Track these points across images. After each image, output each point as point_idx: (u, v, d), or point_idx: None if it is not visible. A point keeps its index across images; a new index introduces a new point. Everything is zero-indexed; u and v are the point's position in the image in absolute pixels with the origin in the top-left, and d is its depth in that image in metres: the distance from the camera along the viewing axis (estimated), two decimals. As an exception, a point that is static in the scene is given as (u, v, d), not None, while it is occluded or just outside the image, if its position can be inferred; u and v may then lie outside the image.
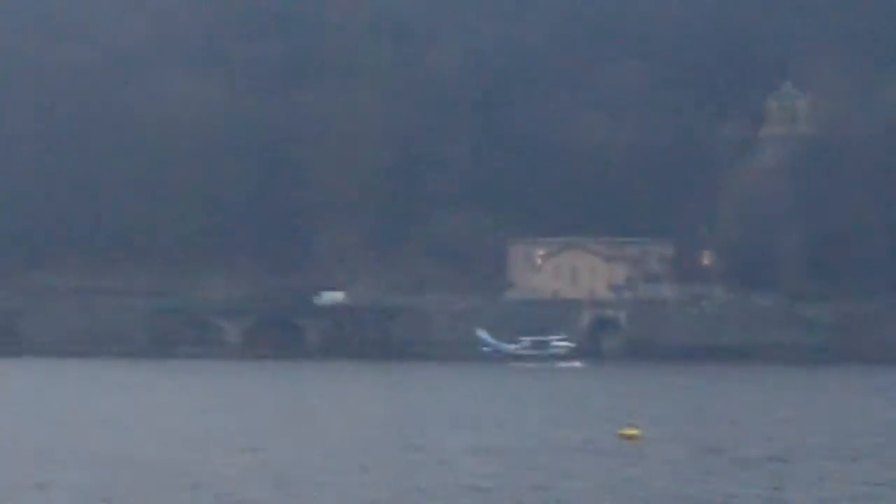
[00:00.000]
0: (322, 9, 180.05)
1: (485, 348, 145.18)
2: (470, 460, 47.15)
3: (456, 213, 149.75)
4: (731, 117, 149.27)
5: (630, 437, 53.19)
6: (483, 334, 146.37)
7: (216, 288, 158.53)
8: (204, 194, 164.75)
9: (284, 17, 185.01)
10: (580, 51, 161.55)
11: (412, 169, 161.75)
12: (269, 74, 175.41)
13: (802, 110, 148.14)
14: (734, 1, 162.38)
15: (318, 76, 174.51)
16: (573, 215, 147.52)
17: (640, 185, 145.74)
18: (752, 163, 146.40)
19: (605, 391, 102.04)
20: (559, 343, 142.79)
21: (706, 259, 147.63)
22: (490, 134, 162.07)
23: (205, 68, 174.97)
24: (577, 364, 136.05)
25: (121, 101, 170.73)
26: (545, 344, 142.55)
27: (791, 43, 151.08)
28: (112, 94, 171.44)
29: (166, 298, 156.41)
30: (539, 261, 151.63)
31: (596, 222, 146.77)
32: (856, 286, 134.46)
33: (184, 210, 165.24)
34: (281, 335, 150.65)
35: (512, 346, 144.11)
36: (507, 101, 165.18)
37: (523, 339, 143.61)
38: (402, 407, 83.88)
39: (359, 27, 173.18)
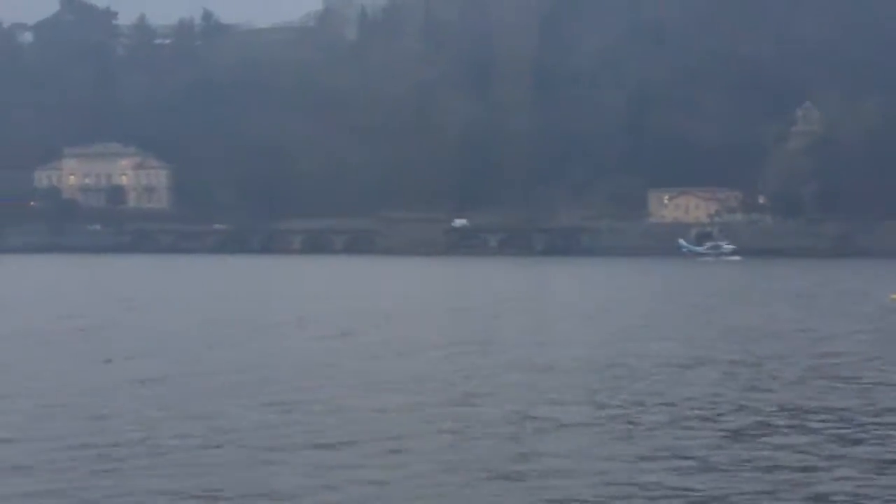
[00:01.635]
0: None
1: (683, 250, 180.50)
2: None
3: (620, 173, 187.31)
4: (775, 119, 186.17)
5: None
6: (682, 241, 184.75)
7: (484, 215, 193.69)
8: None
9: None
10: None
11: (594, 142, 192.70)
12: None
13: (816, 118, 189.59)
14: (777, 44, 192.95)
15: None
16: (686, 175, 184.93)
17: (724, 157, 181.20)
18: (786, 146, 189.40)
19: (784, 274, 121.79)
20: (727, 247, 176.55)
21: (761, 199, 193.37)
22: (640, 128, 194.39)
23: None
24: (737, 258, 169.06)
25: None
26: (719, 247, 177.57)
27: (809, 72, 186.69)
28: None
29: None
30: (666, 201, 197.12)
31: (698, 179, 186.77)
32: (853, 215, 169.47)
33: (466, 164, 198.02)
34: (520, 243, 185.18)
35: (699, 248, 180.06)
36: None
37: (707, 244, 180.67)
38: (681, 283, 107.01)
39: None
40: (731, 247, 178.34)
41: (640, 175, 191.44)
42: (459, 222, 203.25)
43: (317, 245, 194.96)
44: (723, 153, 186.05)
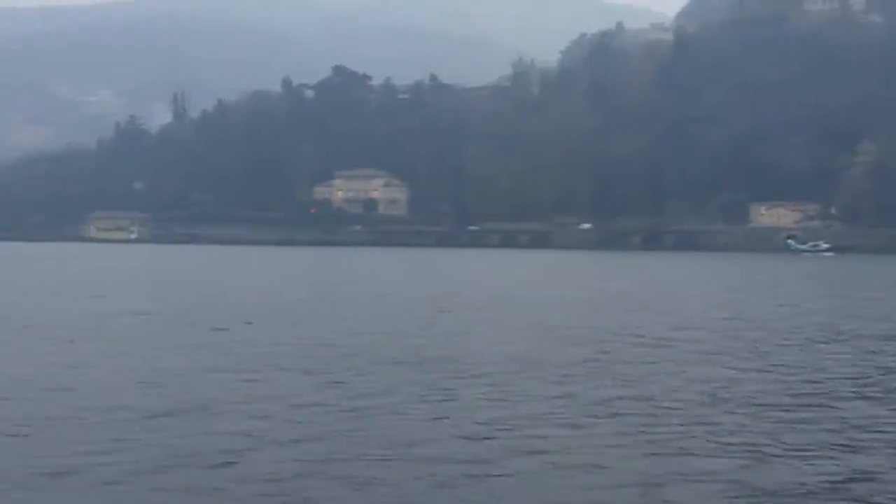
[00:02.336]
0: None
1: (791, 248, 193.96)
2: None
3: (729, 190, 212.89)
4: (843, 151, 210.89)
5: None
6: (791, 241, 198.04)
7: (631, 220, 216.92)
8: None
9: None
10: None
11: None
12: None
13: (873, 150, 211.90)
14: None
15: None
16: (777, 192, 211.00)
17: (807, 179, 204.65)
18: (850, 172, 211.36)
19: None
20: (823, 245, 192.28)
21: (832, 210, 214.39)
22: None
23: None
24: (831, 254, 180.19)
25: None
26: (818, 246, 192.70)
27: (868, 116, 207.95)
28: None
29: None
30: (763, 211, 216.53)
31: (787, 195, 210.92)
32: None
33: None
34: (655, 241, 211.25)
35: (802, 247, 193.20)
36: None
37: (809, 243, 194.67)
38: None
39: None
40: (826, 245, 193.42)
41: (744, 192, 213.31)
42: (585, 226, 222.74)
43: (508, 241, 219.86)
44: (805, 176, 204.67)
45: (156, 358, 29.56)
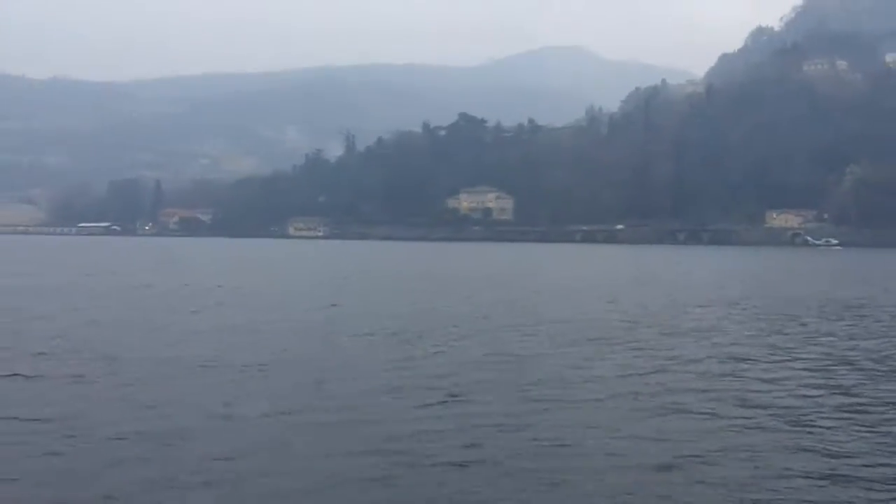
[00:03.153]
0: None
1: (809, 243, 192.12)
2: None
3: (750, 200, 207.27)
4: (834, 171, 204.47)
5: None
6: (808, 237, 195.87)
7: (676, 223, 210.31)
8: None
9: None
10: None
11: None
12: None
13: (858, 171, 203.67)
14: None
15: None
16: (785, 202, 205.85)
17: (806, 192, 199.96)
18: (840, 187, 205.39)
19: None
20: (833, 241, 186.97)
21: (825, 216, 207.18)
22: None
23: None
24: (840, 248, 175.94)
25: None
26: (830, 242, 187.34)
27: (853, 146, 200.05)
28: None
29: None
30: (774, 215, 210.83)
31: (791, 203, 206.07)
32: (881, 223, 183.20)
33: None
34: (694, 237, 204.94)
35: (818, 241, 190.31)
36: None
37: (821, 239, 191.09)
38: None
39: None
40: (836, 241, 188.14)
41: (761, 201, 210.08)
42: (620, 226, 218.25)
43: (587, 238, 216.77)
44: (806, 190, 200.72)
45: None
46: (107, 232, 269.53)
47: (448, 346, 23.81)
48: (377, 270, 71.34)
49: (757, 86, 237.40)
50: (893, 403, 17.16)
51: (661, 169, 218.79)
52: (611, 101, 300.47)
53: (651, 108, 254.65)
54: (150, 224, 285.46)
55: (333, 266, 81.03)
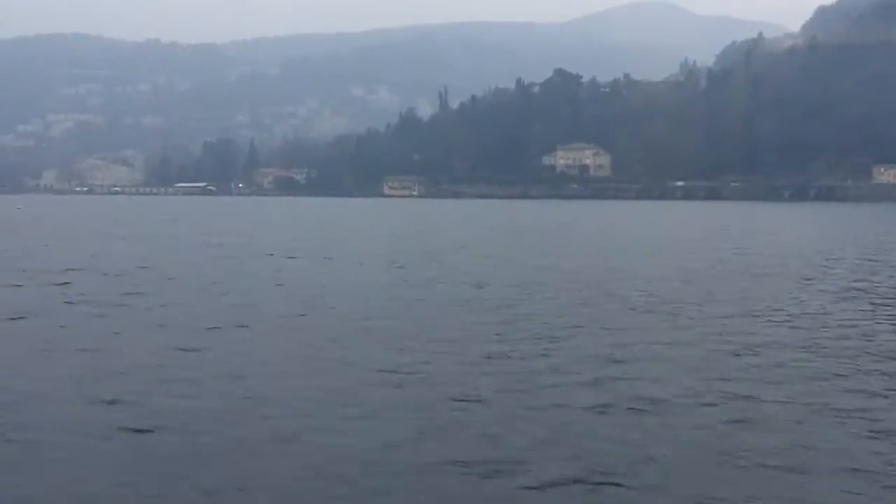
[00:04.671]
0: None
1: None
2: None
3: (858, 156, 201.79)
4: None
5: None
6: None
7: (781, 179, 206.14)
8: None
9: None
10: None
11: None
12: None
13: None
14: None
15: None
16: (893, 157, 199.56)
17: None
18: None
19: None
20: None
21: None
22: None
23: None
24: None
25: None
26: None
27: None
28: None
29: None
30: (882, 171, 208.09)
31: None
32: None
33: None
34: (800, 194, 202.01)
35: None
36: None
37: None
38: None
39: None
40: None
41: (868, 156, 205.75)
42: (733, 182, 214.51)
43: (688, 195, 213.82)
44: None
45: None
46: (203, 192, 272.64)
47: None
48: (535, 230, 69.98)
49: (862, 38, 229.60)
50: None
51: (765, 123, 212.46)
52: (702, 56, 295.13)
53: (752, 61, 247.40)
54: (243, 184, 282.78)
55: (478, 224, 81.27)
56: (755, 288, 25.80)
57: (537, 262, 34.61)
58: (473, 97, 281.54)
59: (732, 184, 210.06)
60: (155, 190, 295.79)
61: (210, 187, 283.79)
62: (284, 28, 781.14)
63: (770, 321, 19.29)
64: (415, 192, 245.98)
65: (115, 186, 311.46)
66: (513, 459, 9.47)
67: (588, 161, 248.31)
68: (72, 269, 30.56)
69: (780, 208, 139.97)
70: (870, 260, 36.61)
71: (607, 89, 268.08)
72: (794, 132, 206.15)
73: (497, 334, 16.99)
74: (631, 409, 11.51)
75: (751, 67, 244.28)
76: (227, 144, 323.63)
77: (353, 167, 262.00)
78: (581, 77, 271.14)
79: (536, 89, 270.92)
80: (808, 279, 28.74)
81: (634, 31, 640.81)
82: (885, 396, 12.29)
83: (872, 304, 22.51)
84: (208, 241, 49.36)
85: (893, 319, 19.66)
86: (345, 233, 62.41)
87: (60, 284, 25.98)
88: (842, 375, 13.55)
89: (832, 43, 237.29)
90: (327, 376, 13.34)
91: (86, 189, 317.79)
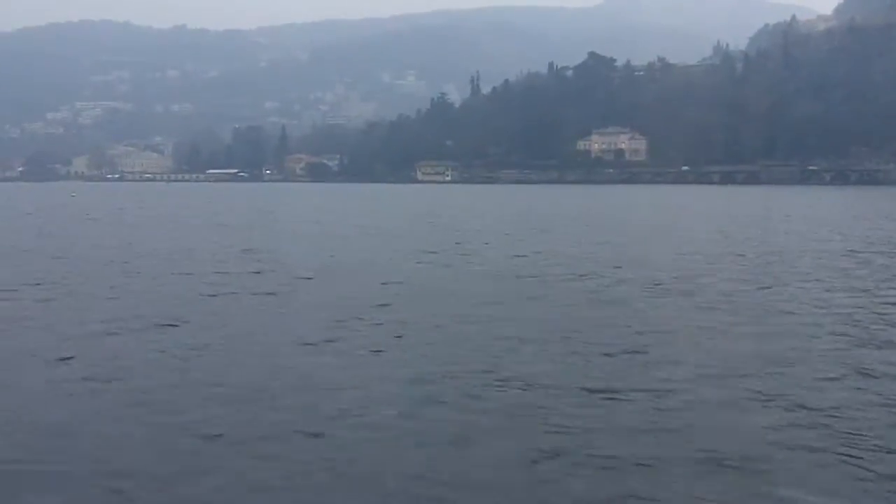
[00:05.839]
0: None
1: None
2: None
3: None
4: None
5: None
6: None
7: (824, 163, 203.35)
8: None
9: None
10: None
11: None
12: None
13: None
14: None
15: None
16: None
17: None
18: None
19: None
20: None
21: None
22: None
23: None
24: None
25: None
26: None
27: None
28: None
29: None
30: None
31: None
32: None
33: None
34: (840, 178, 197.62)
35: None
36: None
37: None
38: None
39: None
40: None
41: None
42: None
43: (726, 179, 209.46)
44: None
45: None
46: (234, 178, 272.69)
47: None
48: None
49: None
50: None
51: (804, 107, 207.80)
52: (733, 39, 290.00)
53: (788, 42, 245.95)
54: (274, 170, 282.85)
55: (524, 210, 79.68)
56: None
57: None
58: (507, 81, 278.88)
59: (771, 167, 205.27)
60: (187, 177, 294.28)
61: (242, 174, 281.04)
62: (312, 14, 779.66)
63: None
64: (448, 178, 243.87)
65: (146, 173, 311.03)
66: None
67: (623, 145, 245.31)
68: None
69: (825, 192, 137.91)
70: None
71: (642, 73, 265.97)
72: (833, 116, 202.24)
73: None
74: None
75: (787, 50, 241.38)
76: (256, 131, 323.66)
77: (384, 153, 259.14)
78: (615, 60, 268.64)
79: (570, 73, 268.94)
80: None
81: (662, 13, 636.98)
82: None
83: None
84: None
85: None
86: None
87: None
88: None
89: (871, 25, 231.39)
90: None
91: (117, 176, 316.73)
